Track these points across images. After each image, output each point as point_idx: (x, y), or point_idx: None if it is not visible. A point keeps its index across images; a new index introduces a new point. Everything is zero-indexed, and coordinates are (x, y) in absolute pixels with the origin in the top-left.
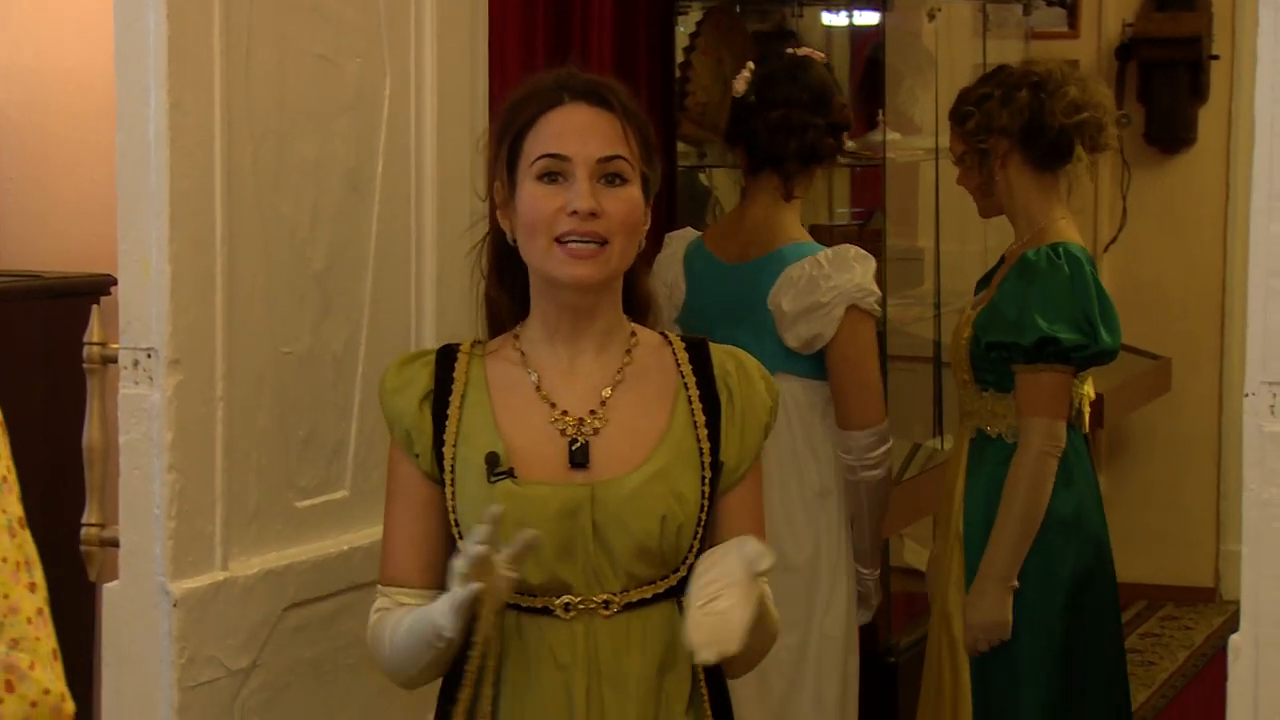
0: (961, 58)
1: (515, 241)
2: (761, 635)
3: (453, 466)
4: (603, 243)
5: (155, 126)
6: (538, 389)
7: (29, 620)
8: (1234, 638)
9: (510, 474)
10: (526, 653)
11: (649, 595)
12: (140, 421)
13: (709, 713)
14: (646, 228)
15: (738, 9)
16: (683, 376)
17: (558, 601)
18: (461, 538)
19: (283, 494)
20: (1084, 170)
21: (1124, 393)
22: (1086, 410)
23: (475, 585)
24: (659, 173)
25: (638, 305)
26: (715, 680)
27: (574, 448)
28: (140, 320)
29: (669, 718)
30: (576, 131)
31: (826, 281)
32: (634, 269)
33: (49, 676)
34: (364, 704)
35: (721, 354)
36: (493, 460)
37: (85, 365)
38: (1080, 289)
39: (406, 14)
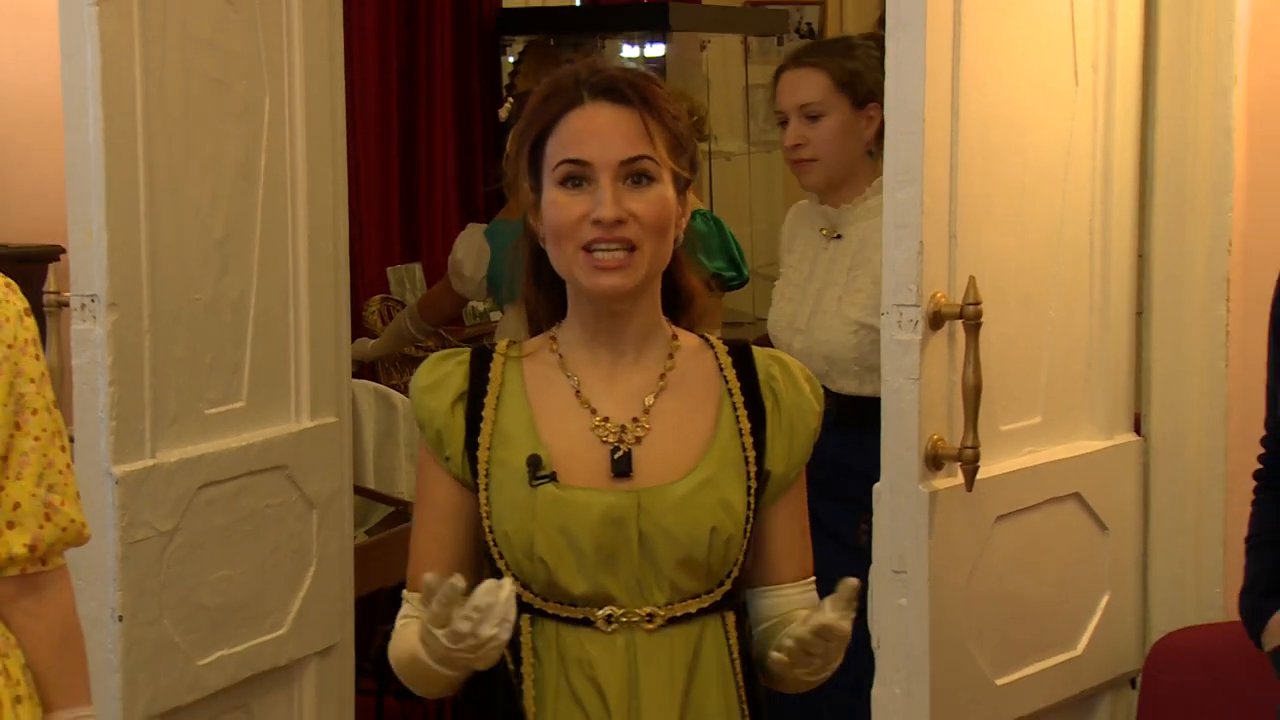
0: (731, 79)
1: (544, 244)
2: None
3: (488, 470)
4: (631, 249)
5: (93, 132)
6: (577, 394)
7: (60, 472)
8: (877, 485)
9: (553, 478)
10: (565, 665)
11: (694, 610)
12: (87, 349)
13: None
14: (685, 222)
15: (552, 42)
16: (726, 382)
17: (599, 613)
18: (496, 545)
19: (195, 403)
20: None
21: None
22: None
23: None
24: (693, 163)
25: (680, 303)
26: (754, 699)
27: (616, 456)
28: (86, 275)
29: None
30: (597, 134)
31: None
32: (676, 264)
33: (74, 510)
34: (259, 560)
35: (765, 358)
36: (535, 463)
37: (44, 309)
38: (726, 238)
39: (279, 47)
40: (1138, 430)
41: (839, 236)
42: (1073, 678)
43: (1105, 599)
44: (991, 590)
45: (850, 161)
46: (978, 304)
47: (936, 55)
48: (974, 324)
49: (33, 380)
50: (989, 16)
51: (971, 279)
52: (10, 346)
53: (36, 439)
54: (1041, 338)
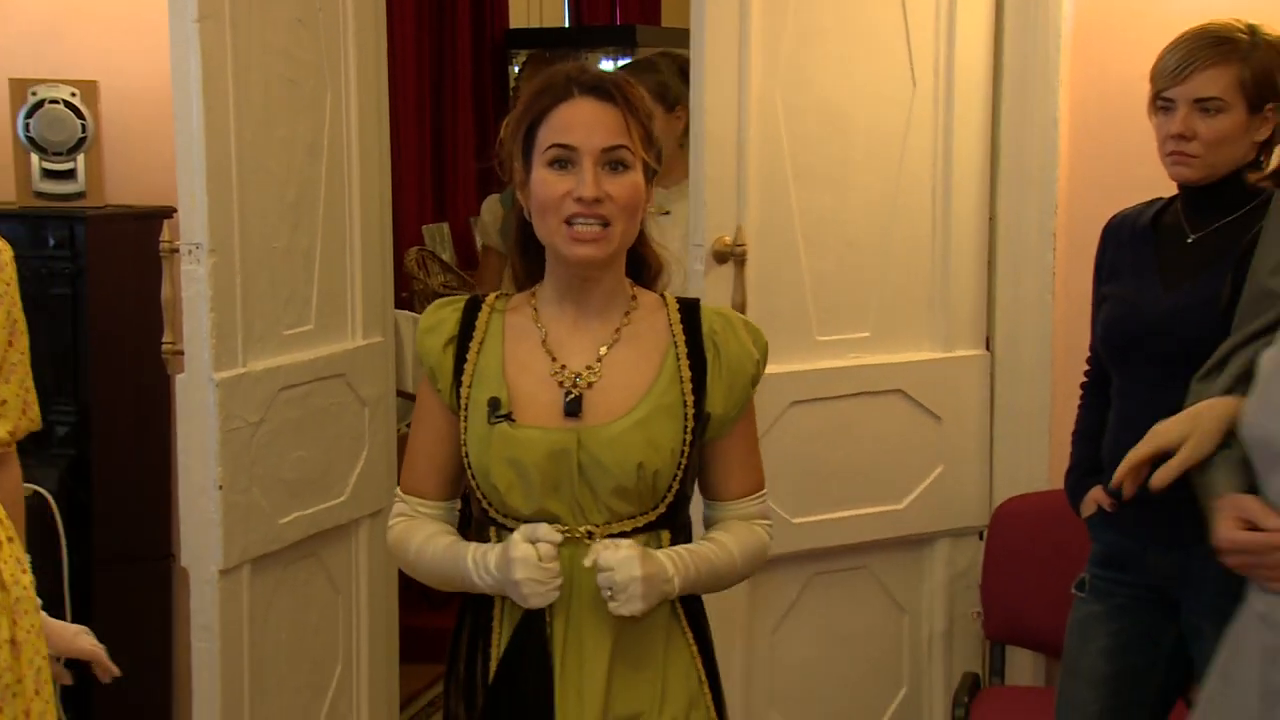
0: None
1: (530, 216)
2: (717, 578)
3: (466, 405)
4: (606, 224)
5: (196, 120)
6: (544, 343)
7: (30, 376)
8: None
9: (509, 417)
10: None
11: (629, 529)
12: (193, 284)
13: (687, 629)
14: (650, 204)
15: (547, 55)
16: (673, 336)
17: None
18: (470, 468)
19: (275, 326)
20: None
21: None
22: None
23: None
24: (659, 156)
25: (647, 270)
26: (689, 604)
27: (568, 398)
28: (192, 228)
29: (644, 635)
30: (583, 124)
31: None
32: (643, 240)
33: (37, 406)
34: (325, 445)
35: (711, 313)
36: (494, 404)
37: (161, 254)
38: None
39: (338, 56)
40: (988, 347)
41: (667, 213)
42: (891, 525)
43: (938, 470)
44: (786, 454)
45: (666, 155)
46: (743, 246)
47: (715, 70)
48: (740, 260)
49: (19, 308)
50: (798, 36)
51: (739, 227)
52: (8, 284)
53: (22, 353)
54: (867, 274)
